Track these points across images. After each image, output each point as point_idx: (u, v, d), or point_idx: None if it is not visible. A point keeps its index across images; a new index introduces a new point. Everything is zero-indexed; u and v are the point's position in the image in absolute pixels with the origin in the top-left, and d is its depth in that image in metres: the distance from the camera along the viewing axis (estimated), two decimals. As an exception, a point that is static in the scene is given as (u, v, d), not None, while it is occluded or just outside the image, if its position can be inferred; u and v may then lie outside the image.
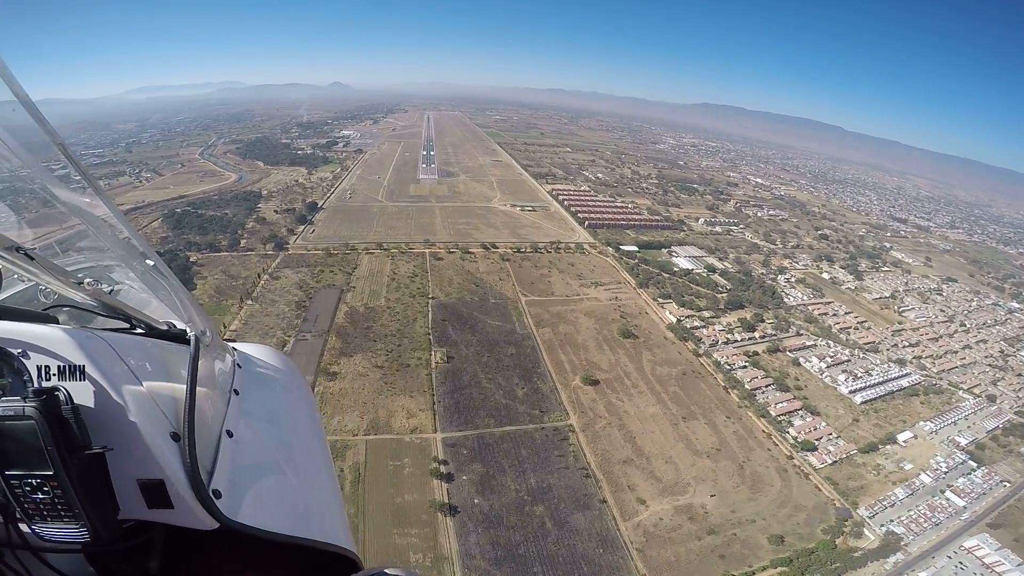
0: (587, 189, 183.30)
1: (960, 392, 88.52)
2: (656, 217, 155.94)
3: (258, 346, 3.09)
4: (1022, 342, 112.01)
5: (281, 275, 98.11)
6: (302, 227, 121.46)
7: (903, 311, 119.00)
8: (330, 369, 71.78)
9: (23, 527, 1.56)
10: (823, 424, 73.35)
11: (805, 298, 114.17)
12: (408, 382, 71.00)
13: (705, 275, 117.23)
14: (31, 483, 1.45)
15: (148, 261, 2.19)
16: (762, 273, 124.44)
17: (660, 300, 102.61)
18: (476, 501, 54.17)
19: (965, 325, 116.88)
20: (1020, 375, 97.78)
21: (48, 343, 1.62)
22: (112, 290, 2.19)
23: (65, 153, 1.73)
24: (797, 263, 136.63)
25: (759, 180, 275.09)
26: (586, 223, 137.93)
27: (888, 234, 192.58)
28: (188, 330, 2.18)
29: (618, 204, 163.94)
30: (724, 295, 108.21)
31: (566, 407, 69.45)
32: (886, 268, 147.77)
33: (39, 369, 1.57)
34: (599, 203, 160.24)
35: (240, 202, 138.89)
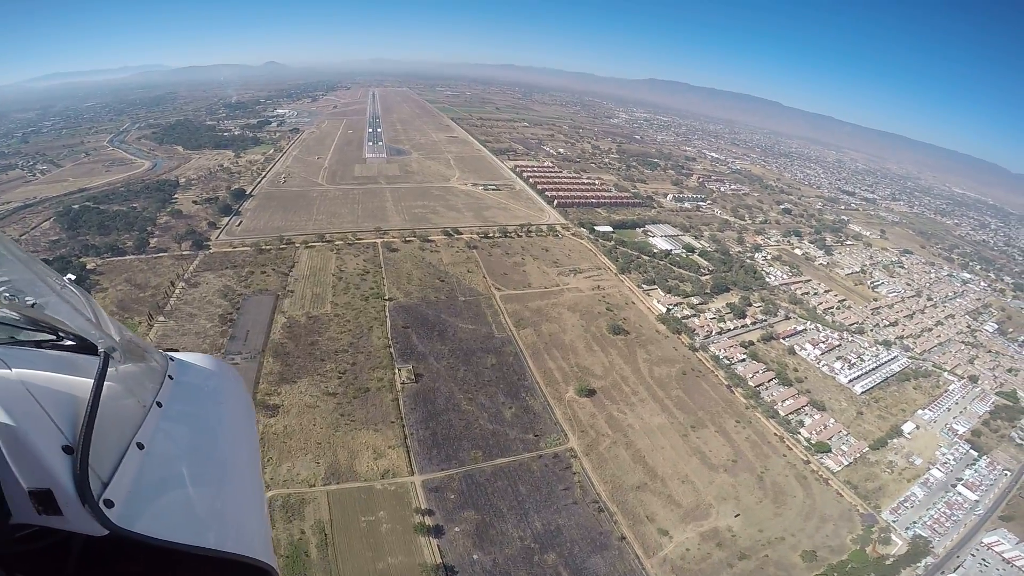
0: (551, 165, 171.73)
1: (944, 374, 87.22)
2: (625, 194, 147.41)
3: (198, 355, 3.08)
4: (983, 316, 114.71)
5: (201, 280, 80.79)
6: (227, 219, 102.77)
7: (875, 286, 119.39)
8: (269, 401, 57.21)
9: None
10: (832, 421, 68.42)
11: (785, 276, 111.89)
12: (370, 411, 57.99)
13: (685, 256, 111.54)
14: None
15: (68, 276, 2.36)
16: (739, 251, 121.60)
17: (645, 287, 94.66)
18: (475, 557, 43.99)
19: (932, 300, 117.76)
20: (990, 352, 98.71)
21: None
22: (34, 303, 2.25)
23: None
24: (770, 240, 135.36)
25: (714, 154, 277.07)
26: (555, 202, 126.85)
27: (842, 207, 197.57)
28: (100, 344, 2.21)
29: (584, 181, 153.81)
30: (708, 278, 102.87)
31: (563, 427, 59.35)
32: (850, 242, 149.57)
33: None
34: (565, 180, 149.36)
35: (152, 193, 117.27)
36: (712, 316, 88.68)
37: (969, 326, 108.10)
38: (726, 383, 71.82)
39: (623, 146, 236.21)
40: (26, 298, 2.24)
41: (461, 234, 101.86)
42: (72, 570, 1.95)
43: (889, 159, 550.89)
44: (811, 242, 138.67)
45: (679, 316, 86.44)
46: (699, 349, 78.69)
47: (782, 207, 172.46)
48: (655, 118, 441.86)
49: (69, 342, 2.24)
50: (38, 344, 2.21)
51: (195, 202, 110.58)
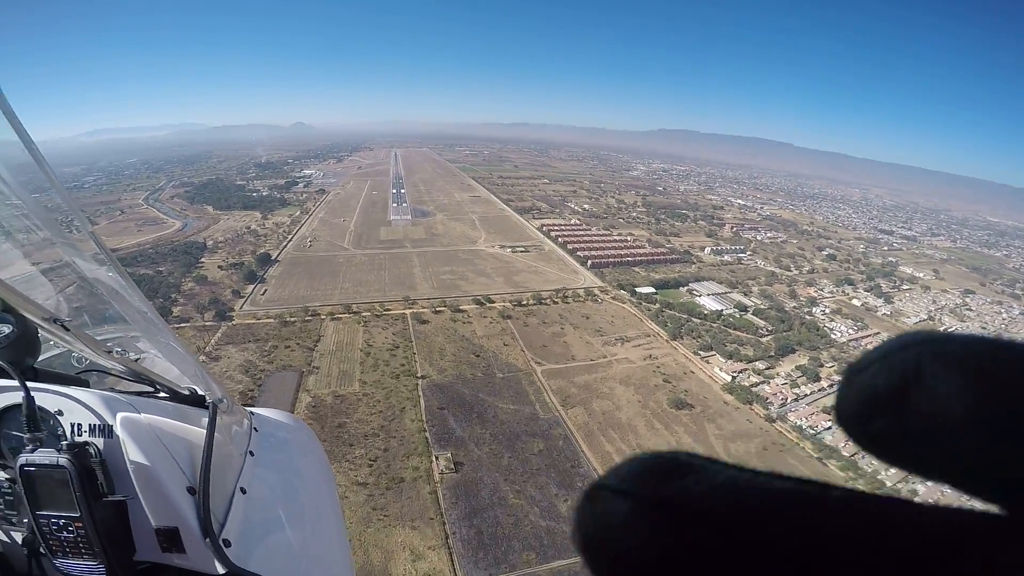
0: (577, 222, 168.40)
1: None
2: (661, 250, 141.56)
3: (275, 411, 3.36)
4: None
5: (223, 354, 75.69)
6: (251, 286, 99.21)
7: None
8: (289, 496, 49.66)
9: (45, 563, 1.78)
10: (946, 488, 56.72)
11: (851, 331, 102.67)
12: (406, 505, 50.27)
13: (739, 316, 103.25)
14: (58, 523, 1.66)
15: (169, 336, 2.58)
16: (795, 307, 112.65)
17: (702, 353, 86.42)
18: None
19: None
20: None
21: (81, 404, 1.90)
22: (138, 358, 2.46)
23: (96, 240, 2.01)
24: (823, 291, 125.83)
25: (740, 201, 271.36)
26: (588, 263, 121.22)
27: (884, 248, 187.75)
28: (207, 396, 2.42)
29: (616, 238, 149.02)
30: (768, 339, 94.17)
31: (632, 529, 49.71)
32: (906, 287, 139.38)
33: (72, 426, 1.88)
34: (596, 238, 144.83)
35: (179, 256, 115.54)
36: (783, 381, 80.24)
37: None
38: (816, 455, 63.67)
39: (647, 199, 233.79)
40: (131, 354, 2.42)
41: (493, 302, 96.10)
42: None
43: (912, 192, 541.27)
44: (867, 290, 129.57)
45: (747, 384, 78.31)
46: (777, 419, 70.35)
47: (825, 253, 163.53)
48: (672, 168, 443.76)
49: (164, 394, 2.43)
50: (143, 395, 2.39)
51: (220, 267, 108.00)
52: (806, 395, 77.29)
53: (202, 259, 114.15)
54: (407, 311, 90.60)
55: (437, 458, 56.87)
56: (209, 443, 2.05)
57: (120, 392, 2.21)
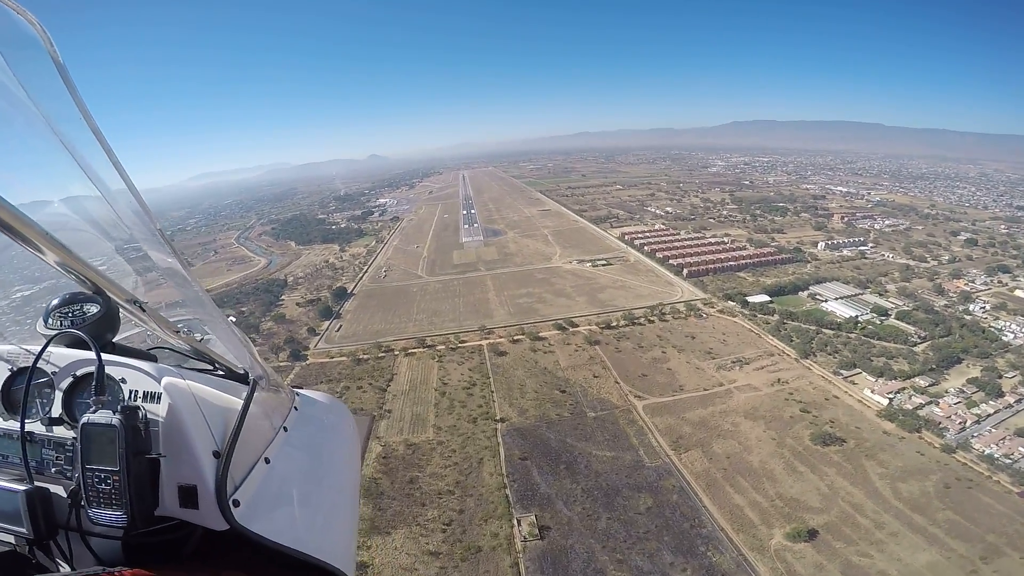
0: (662, 227, 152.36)
1: None
2: (767, 249, 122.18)
3: (324, 395, 3.65)
4: None
5: (296, 398, 71.78)
6: (327, 323, 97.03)
7: None
8: (357, 558, 41.91)
9: (82, 514, 1.96)
10: None
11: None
12: None
13: (879, 323, 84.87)
14: (100, 476, 1.85)
15: (231, 318, 2.91)
16: (946, 305, 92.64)
17: (844, 373, 70.66)
18: None
19: None
20: None
21: (140, 373, 2.18)
22: (201, 338, 2.80)
23: (162, 236, 2.32)
24: (975, 283, 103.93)
25: (841, 189, 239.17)
26: (684, 271, 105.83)
27: None
28: (250, 374, 2.70)
29: (711, 240, 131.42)
30: (923, 347, 77.00)
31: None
32: None
33: (131, 392, 2.15)
34: (688, 243, 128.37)
35: (262, 294, 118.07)
36: (956, 400, 64.91)
37: None
38: (1017, 490, 50.33)
39: (735, 194, 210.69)
40: (196, 334, 2.76)
41: (577, 326, 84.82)
42: (185, 557, 2.26)
43: None
44: None
45: (910, 407, 63.29)
46: (957, 449, 56.28)
47: (962, 238, 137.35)
48: (755, 160, 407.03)
49: (220, 372, 2.77)
50: (200, 371, 2.69)
51: (298, 304, 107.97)
52: (989, 415, 63.65)
53: (283, 296, 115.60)
54: (483, 342, 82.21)
55: (519, 522, 47.84)
56: (243, 414, 2.30)
57: (174, 367, 2.41)
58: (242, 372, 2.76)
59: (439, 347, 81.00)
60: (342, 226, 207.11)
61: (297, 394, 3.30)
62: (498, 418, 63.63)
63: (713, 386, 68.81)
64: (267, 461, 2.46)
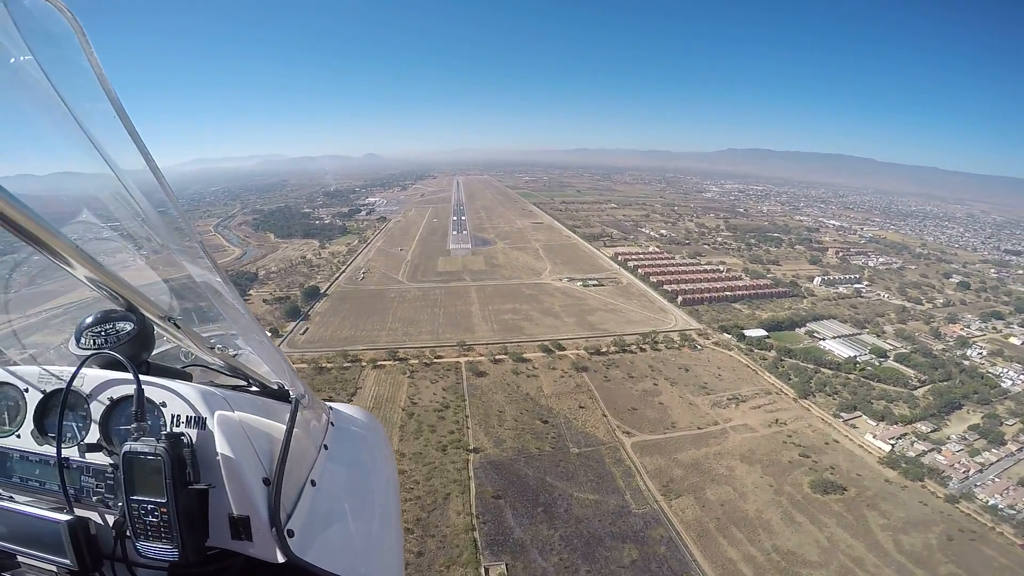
0: (656, 250, 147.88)
1: None
2: (763, 281, 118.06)
3: (351, 407, 3.45)
4: None
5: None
6: (292, 324, 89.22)
7: None
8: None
9: (128, 546, 1.91)
10: None
11: (1021, 377, 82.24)
12: None
13: (879, 364, 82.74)
14: (146, 507, 1.77)
15: (262, 335, 2.73)
16: (943, 349, 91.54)
17: (844, 416, 67.42)
18: None
19: None
20: None
21: (182, 397, 2.08)
22: (235, 354, 2.66)
23: (203, 249, 2.24)
24: (971, 328, 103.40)
25: (834, 222, 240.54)
26: (679, 298, 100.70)
27: (1020, 271, 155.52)
28: (291, 392, 2.59)
29: (706, 268, 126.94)
30: (923, 391, 75.42)
31: None
32: None
33: (173, 416, 2.05)
34: (684, 268, 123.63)
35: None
36: (958, 447, 63.65)
37: None
38: (1020, 541, 49.29)
39: (730, 221, 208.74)
40: (230, 350, 2.61)
41: (564, 349, 78.60)
42: None
43: (1019, 207, 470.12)
44: (1022, 325, 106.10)
45: (912, 454, 61.32)
46: (960, 499, 54.60)
47: (955, 281, 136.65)
48: (749, 188, 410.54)
49: (254, 388, 2.61)
50: (235, 389, 2.56)
51: (265, 301, 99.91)
52: (992, 463, 61.99)
53: (250, 291, 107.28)
54: (461, 359, 75.40)
55: (487, 571, 42.35)
56: (288, 437, 2.18)
57: (216, 387, 2.36)
58: (278, 388, 2.61)
59: (412, 361, 73.91)
60: (326, 222, 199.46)
61: (330, 408, 3.12)
62: (471, 448, 57.10)
63: (707, 424, 63.77)
64: (313, 484, 2.33)
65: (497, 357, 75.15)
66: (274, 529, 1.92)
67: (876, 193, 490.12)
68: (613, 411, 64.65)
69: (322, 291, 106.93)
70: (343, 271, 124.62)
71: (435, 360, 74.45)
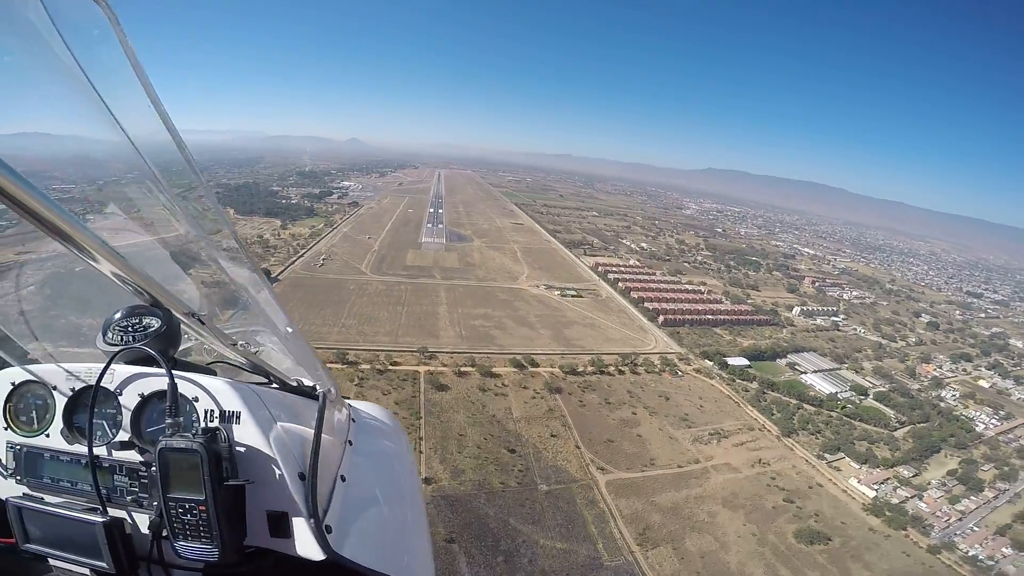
0: (637, 264, 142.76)
1: None
2: (744, 307, 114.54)
3: (369, 403, 3.53)
4: None
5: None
6: (231, 312, 78.14)
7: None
8: None
9: (165, 546, 1.87)
10: None
11: (994, 422, 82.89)
12: None
13: (859, 402, 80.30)
14: (184, 506, 1.73)
15: (288, 328, 2.73)
16: (919, 389, 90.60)
17: (827, 457, 63.91)
18: None
19: None
20: None
21: (214, 392, 2.03)
22: (257, 351, 2.60)
23: (237, 240, 2.27)
24: (943, 368, 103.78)
25: (808, 250, 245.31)
26: (660, 318, 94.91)
27: (981, 315, 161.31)
28: (318, 387, 2.59)
29: (688, 288, 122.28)
30: (903, 432, 73.54)
31: None
32: None
33: (205, 412, 2.00)
34: (665, 286, 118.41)
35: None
36: (939, 494, 61.33)
37: None
38: None
39: (710, 241, 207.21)
40: (251, 347, 2.55)
41: (538, 365, 71.09)
42: None
43: (976, 248, 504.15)
44: (989, 368, 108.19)
45: (896, 501, 58.58)
46: (942, 549, 52.38)
47: (925, 320, 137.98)
48: (726, 208, 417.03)
49: (276, 385, 2.55)
50: (265, 383, 2.55)
51: (204, 283, 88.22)
52: (972, 511, 60.44)
53: (189, 271, 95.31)
54: (421, 368, 66.75)
55: None
56: (319, 432, 2.16)
57: (245, 382, 2.32)
58: (300, 383, 2.57)
59: (363, 366, 64.68)
60: (293, 202, 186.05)
61: (349, 404, 3.09)
62: (423, 477, 48.64)
63: (688, 462, 57.85)
64: (343, 479, 2.35)
65: (463, 369, 66.87)
66: (314, 525, 1.88)
67: (846, 224, 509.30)
68: (588, 442, 57.53)
69: (273, 275, 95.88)
70: (301, 255, 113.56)
71: (390, 367, 65.43)
